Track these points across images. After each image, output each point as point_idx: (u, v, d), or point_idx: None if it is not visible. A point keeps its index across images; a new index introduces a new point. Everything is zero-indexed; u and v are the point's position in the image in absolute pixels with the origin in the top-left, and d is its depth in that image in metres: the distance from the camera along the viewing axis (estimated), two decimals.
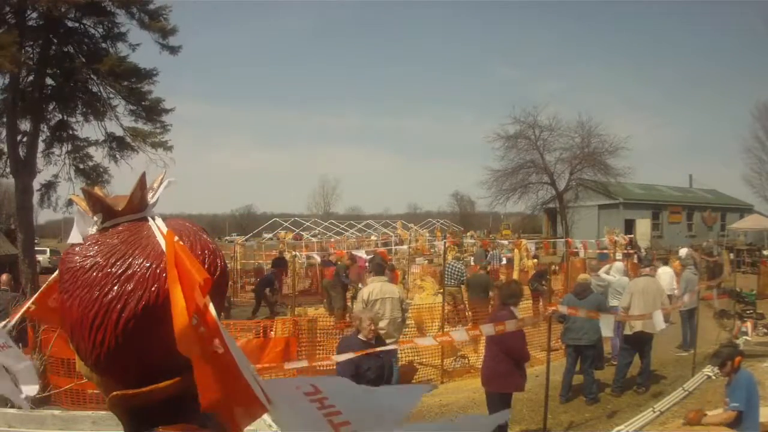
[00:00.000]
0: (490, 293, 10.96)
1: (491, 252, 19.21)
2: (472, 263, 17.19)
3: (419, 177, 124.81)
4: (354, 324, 5.49)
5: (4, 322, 1.69)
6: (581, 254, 16.56)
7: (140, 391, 0.64)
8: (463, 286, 11.85)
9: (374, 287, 7.12)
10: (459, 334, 6.07)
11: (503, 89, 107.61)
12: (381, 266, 7.78)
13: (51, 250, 28.38)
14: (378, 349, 5.09)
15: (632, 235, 26.95)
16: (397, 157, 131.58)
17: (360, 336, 5.22)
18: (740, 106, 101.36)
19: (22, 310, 1.75)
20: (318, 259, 16.99)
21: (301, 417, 0.59)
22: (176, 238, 0.63)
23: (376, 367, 4.98)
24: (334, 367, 5.11)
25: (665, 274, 9.98)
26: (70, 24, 15.06)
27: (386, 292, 7.08)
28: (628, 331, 7.73)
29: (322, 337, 8.52)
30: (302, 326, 8.13)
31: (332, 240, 29.83)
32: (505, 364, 5.40)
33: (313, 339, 8.18)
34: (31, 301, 1.77)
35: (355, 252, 15.60)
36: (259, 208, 78.56)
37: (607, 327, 6.72)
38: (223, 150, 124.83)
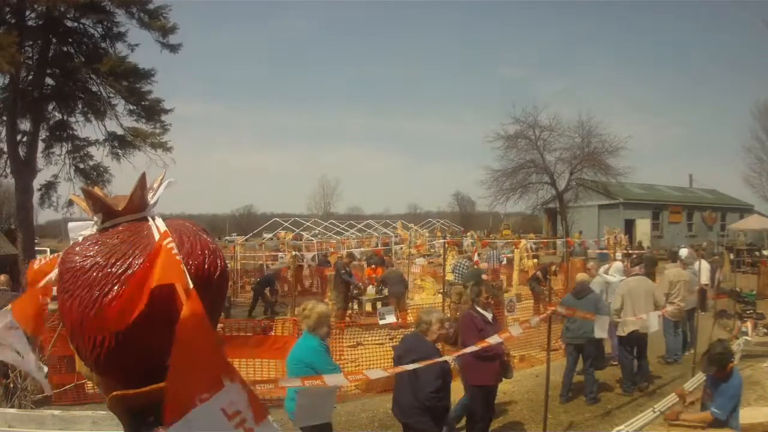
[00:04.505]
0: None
1: (491, 252, 19.18)
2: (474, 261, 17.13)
3: (419, 177, 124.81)
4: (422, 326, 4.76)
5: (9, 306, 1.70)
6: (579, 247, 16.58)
7: (140, 391, 0.64)
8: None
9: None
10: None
11: (504, 89, 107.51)
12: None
13: (51, 250, 28.38)
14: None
15: (630, 235, 26.96)
16: (397, 157, 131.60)
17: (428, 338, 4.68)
18: (740, 105, 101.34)
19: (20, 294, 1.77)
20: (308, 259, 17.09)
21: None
22: (168, 239, 0.63)
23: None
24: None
25: (704, 269, 11.72)
26: (69, 24, 15.07)
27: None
28: (621, 333, 7.71)
29: None
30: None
31: (332, 240, 29.83)
32: (476, 356, 5.34)
33: None
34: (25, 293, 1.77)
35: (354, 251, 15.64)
36: (259, 208, 78.64)
37: (600, 329, 6.67)
38: (223, 150, 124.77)
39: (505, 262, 18.14)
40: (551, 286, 12.06)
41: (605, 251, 18.88)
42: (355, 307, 13.28)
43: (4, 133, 14.73)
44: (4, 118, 14.63)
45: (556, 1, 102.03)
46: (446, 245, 13.67)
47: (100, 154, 16.10)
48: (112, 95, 15.43)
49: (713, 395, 4.71)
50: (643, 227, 33.28)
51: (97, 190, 0.71)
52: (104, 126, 15.78)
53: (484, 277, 11.25)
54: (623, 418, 6.50)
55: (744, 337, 9.07)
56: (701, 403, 5.08)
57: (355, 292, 13.07)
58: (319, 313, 4.41)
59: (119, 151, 15.88)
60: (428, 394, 4.32)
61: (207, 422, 0.58)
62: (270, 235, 34.10)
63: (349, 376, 4.38)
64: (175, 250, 0.63)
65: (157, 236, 0.66)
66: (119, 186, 16.80)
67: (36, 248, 18.15)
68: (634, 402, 7.22)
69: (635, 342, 7.77)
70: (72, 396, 6.37)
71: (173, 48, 15.64)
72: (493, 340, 4.82)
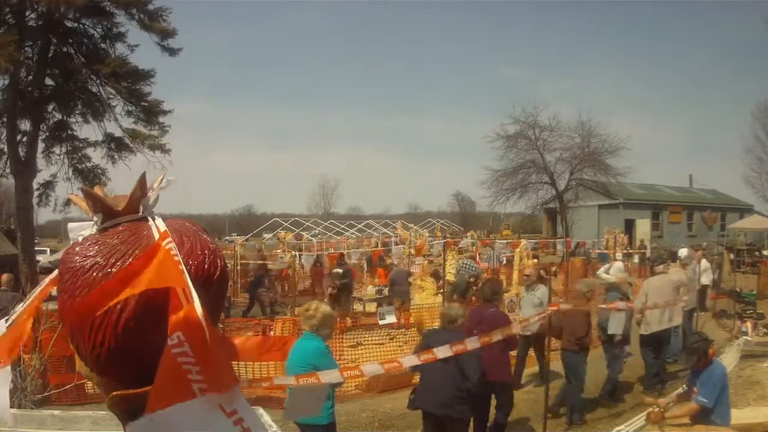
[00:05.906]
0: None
1: (490, 252, 19.16)
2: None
3: (419, 177, 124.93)
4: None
5: (5, 318, 1.68)
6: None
7: (140, 391, 0.64)
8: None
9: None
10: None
11: (505, 89, 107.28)
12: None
13: (51, 250, 28.37)
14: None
15: (630, 235, 26.95)
16: (397, 157, 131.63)
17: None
18: (741, 106, 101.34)
19: (22, 305, 1.75)
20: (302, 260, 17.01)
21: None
22: (167, 240, 0.63)
23: None
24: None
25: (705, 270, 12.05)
26: (69, 24, 15.05)
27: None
28: (643, 332, 7.75)
29: None
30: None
31: (332, 240, 29.80)
32: (495, 353, 5.41)
33: None
34: (28, 300, 1.76)
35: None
36: (259, 208, 78.69)
37: (615, 326, 6.86)
38: (223, 150, 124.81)
39: (505, 262, 18.15)
40: (551, 287, 12.05)
41: (605, 251, 18.92)
42: (356, 307, 13.27)
43: (4, 133, 14.72)
44: (4, 118, 14.62)
45: (556, 1, 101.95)
46: (446, 245, 13.67)
47: (97, 156, 16.07)
48: (111, 96, 15.40)
49: (698, 387, 4.74)
50: (643, 227, 33.28)
51: (97, 189, 0.71)
52: (103, 127, 15.77)
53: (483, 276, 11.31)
54: (623, 418, 6.50)
55: (744, 337, 9.06)
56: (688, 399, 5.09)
57: (329, 289, 12.85)
58: (324, 313, 4.40)
59: (115, 153, 15.85)
60: (476, 380, 4.55)
61: (192, 419, 0.58)
62: (270, 235, 34.13)
63: (344, 372, 4.36)
64: (175, 251, 0.63)
65: (157, 236, 0.66)
66: (118, 187, 16.79)
67: (36, 248, 18.13)
68: (634, 402, 7.21)
69: (656, 340, 7.80)
70: (72, 396, 6.36)
71: (173, 51, 15.59)
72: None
